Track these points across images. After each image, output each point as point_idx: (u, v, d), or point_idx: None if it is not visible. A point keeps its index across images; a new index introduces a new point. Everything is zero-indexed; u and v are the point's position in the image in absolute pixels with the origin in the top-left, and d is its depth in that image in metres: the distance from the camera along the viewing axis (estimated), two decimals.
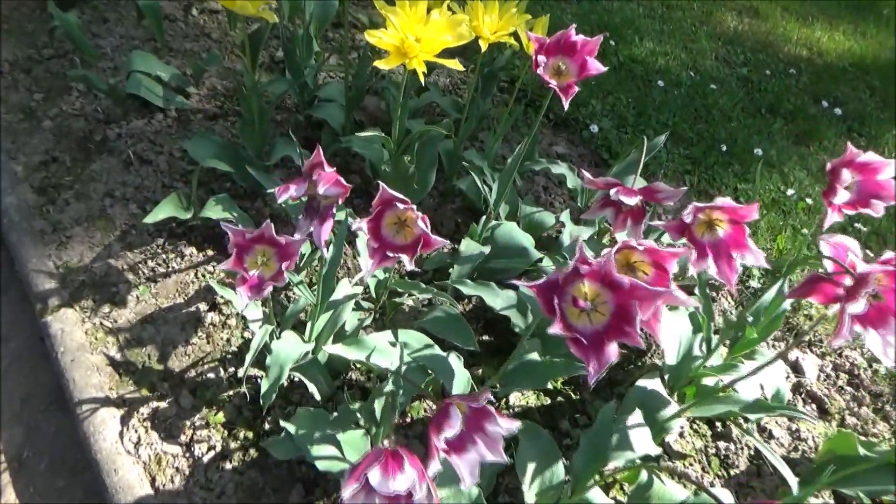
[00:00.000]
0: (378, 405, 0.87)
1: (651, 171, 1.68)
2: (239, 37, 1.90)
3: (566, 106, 0.88)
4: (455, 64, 0.95)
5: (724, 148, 1.76)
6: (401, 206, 0.75)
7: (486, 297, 1.11)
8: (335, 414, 0.92)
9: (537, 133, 1.46)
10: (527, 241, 1.30)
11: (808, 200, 1.67)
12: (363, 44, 1.98)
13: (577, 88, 0.89)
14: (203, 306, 1.23)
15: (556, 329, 0.64)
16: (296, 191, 0.75)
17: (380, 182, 0.75)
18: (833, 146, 1.92)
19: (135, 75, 1.53)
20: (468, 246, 1.21)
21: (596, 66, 0.90)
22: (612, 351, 0.65)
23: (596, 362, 0.65)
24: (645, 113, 1.84)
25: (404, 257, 0.75)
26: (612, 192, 1.01)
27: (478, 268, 1.24)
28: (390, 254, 0.76)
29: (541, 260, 1.27)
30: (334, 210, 0.77)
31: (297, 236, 0.78)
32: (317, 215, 0.77)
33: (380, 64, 0.92)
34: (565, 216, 1.37)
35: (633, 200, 1.00)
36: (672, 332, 1.23)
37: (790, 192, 1.66)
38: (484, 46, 1.10)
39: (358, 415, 0.89)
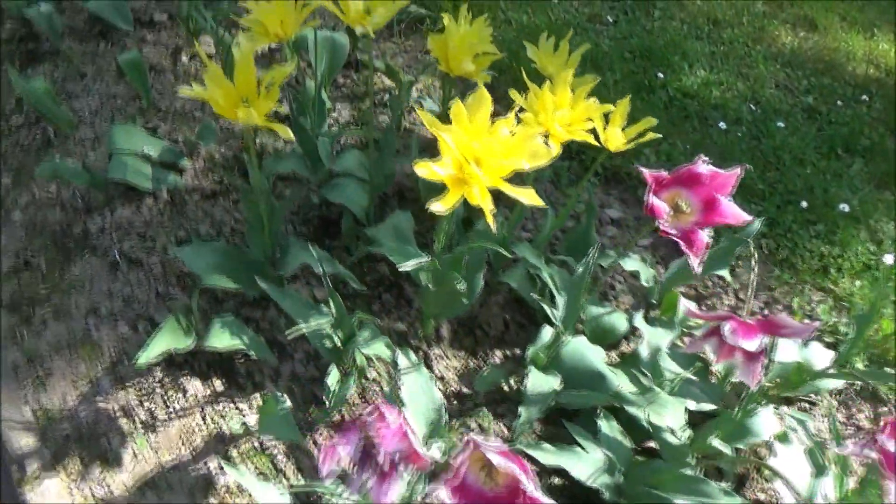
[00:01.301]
0: None
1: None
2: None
3: (697, 268, 0.67)
4: (532, 197, 0.74)
5: (805, 204, 1.54)
6: (498, 459, 0.53)
7: (570, 467, 0.91)
8: None
9: (594, 220, 1.25)
10: (599, 360, 1.10)
11: None
12: (375, 87, 1.76)
13: (705, 238, 0.68)
14: (214, 463, 1.03)
15: None
16: (346, 451, 0.55)
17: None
18: None
19: (118, 157, 1.32)
20: (536, 381, 1.01)
21: (734, 213, 0.69)
22: None
23: None
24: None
25: None
26: (727, 330, 0.81)
27: None
28: None
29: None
30: (401, 467, 0.57)
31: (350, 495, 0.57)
32: (376, 468, 0.56)
33: (436, 207, 0.71)
34: (640, 321, 1.17)
35: (754, 344, 0.81)
36: (785, 469, 1.03)
37: (888, 258, 1.45)
38: (556, 148, 0.89)
39: None
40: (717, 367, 1.19)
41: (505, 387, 1.19)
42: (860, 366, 1.29)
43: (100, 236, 1.31)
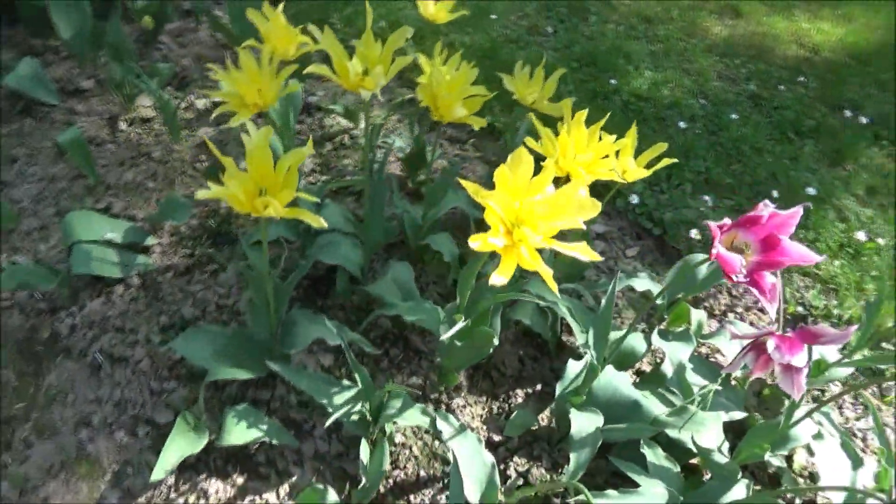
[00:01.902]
0: None
1: (709, 236, 1.50)
2: (185, 151, 1.59)
3: (773, 314, 0.67)
4: (588, 252, 0.71)
5: (776, 194, 1.60)
6: None
7: None
8: None
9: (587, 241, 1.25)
10: (630, 387, 1.10)
11: (880, 241, 1.54)
12: (333, 129, 1.71)
13: (773, 279, 0.68)
14: None
15: None
16: None
17: None
18: (870, 162, 1.81)
19: (78, 248, 1.22)
20: (580, 424, 1.00)
21: (801, 253, 0.69)
22: None
23: None
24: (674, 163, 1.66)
25: None
26: (772, 348, 0.83)
27: None
28: None
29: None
30: None
31: None
32: None
33: (496, 280, 0.68)
34: (659, 339, 1.18)
35: (802, 360, 0.82)
36: (827, 467, 1.06)
37: (860, 234, 1.53)
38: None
39: None
40: (737, 373, 1.21)
41: (535, 426, 1.17)
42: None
43: (72, 337, 1.21)
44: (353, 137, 1.69)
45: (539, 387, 1.24)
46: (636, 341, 1.19)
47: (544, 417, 1.20)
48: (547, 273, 0.70)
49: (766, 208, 0.68)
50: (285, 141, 1.23)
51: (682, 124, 1.78)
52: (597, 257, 0.72)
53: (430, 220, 1.32)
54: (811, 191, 1.63)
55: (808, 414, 0.95)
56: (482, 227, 1.52)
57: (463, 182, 0.70)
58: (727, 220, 0.69)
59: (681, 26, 2.22)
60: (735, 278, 0.68)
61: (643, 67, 2.00)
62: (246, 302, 1.16)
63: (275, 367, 1.02)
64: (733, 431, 1.15)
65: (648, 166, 0.98)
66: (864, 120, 1.93)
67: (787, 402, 1.12)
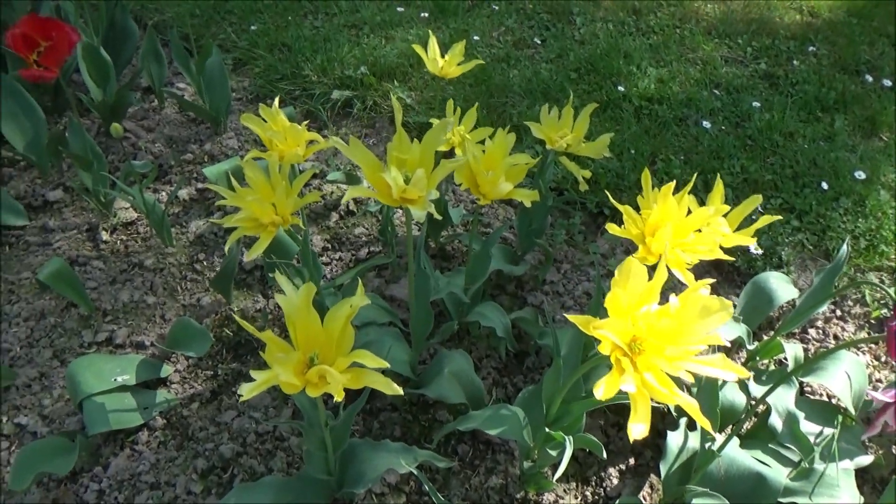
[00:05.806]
0: None
1: (766, 246, 1.40)
2: (179, 252, 1.46)
3: None
4: (733, 368, 0.60)
5: (826, 185, 1.50)
6: None
7: None
8: None
9: None
10: (745, 456, 0.98)
11: None
12: (334, 196, 1.58)
13: None
14: None
15: None
16: None
17: None
18: None
19: (90, 403, 1.09)
20: None
21: None
22: None
23: None
24: (707, 167, 1.56)
25: None
26: None
27: None
28: None
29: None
30: None
31: None
32: None
33: (637, 432, 0.56)
34: (757, 388, 1.07)
35: None
36: None
37: None
38: (685, 277, 0.77)
39: None
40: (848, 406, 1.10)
41: None
42: None
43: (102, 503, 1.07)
44: (359, 202, 1.57)
45: (632, 461, 1.13)
46: (733, 394, 1.08)
47: (646, 496, 1.09)
48: (693, 407, 0.59)
49: None
50: (305, 238, 1.09)
51: (706, 124, 1.67)
52: (745, 374, 0.60)
53: (472, 294, 1.20)
54: (860, 175, 1.53)
55: None
56: (522, 285, 1.41)
57: (572, 318, 0.58)
58: None
59: (671, 12, 2.11)
60: None
61: (645, 65, 1.89)
62: (301, 450, 1.03)
63: None
64: (860, 477, 1.04)
65: (742, 226, 0.86)
66: (886, 83, 1.83)
67: None
